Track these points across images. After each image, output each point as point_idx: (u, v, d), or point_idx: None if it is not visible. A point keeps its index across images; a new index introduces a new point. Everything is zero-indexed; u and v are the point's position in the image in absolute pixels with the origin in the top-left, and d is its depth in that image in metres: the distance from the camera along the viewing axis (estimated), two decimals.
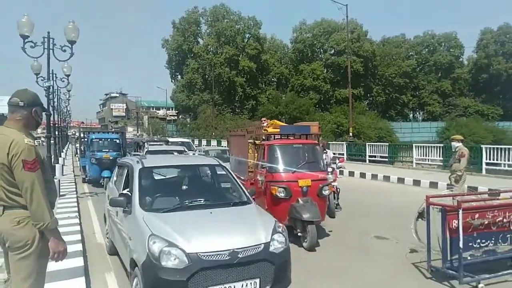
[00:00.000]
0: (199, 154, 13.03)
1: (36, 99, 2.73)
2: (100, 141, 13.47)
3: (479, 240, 4.69)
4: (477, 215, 4.66)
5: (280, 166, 6.60)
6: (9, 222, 2.51)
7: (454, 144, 7.97)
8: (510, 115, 53.21)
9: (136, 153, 12.49)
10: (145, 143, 13.32)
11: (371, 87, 57.18)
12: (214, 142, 38.18)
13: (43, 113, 2.90)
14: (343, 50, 50.58)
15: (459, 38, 60.71)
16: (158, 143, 14.54)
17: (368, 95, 59.00)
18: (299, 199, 6.26)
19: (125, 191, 4.65)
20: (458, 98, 58.60)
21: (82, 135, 16.21)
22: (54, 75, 15.63)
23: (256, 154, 7.49)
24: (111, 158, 12.17)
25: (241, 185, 4.95)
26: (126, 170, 5.15)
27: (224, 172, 5.10)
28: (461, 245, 4.43)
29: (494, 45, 56.34)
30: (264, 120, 9.15)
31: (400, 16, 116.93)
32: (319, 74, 53.41)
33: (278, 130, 7.58)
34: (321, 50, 57.17)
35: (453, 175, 7.80)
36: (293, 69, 56.86)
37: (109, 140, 13.59)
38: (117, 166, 6.36)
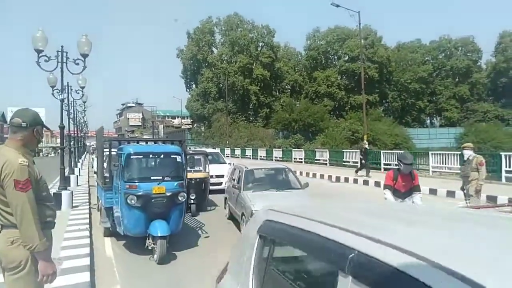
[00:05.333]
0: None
1: (37, 118, 2.74)
2: (145, 160, 7.21)
3: None
4: None
5: None
6: (3, 242, 2.51)
7: (468, 152, 7.72)
8: None
9: None
10: None
11: (387, 93, 56.56)
12: (227, 151, 38.23)
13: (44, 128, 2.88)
14: (357, 57, 50.25)
15: (476, 43, 59.64)
16: (196, 157, 10.91)
17: (384, 101, 58.36)
18: None
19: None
20: (477, 103, 57.34)
21: (103, 147, 8.57)
22: (70, 87, 15.96)
23: None
24: (168, 194, 6.46)
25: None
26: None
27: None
28: None
29: None
30: None
31: (415, 22, 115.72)
32: (333, 81, 53.16)
33: None
34: (335, 57, 56.97)
35: (471, 185, 7.54)
36: (307, 77, 56.76)
37: (162, 157, 7.13)
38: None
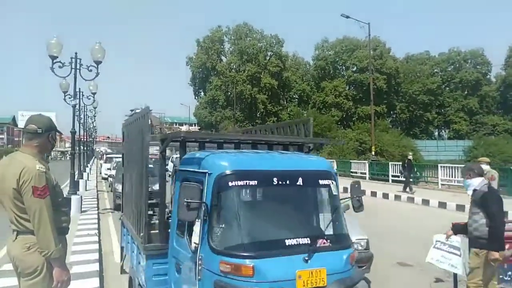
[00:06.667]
0: None
1: (51, 124, 2.78)
2: (266, 195, 3.05)
3: (510, 272, 4.41)
4: (507, 246, 4.38)
5: None
6: (20, 248, 2.54)
7: (482, 166, 7.66)
8: None
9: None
10: None
11: (395, 104, 56.39)
12: None
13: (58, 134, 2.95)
14: (366, 67, 50.30)
15: (485, 55, 59.34)
16: None
17: (392, 112, 58.15)
18: None
19: None
20: (486, 116, 56.85)
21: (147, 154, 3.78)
22: (81, 93, 16.15)
23: None
24: None
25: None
26: None
27: None
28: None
29: None
30: None
31: (423, 34, 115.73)
32: (341, 91, 53.14)
33: None
34: (343, 67, 57.02)
35: None
36: (315, 86, 56.83)
37: (301, 184, 2.83)
38: None
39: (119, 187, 11.47)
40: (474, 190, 4.15)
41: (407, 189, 15.14)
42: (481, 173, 4.28)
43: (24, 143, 2.73)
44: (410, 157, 16.41)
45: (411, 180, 15.41)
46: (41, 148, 2.69)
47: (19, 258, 2.55)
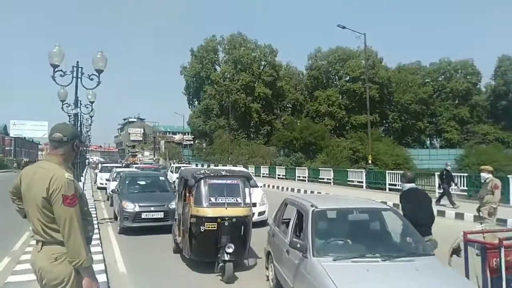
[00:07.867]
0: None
1: (76, 132, 2.80)
2: None
3: None
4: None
5: None
6: (46, 259, 2.50)
7: (484, 175, 7.75)
8: None
9: None
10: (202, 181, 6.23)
11: (387, 113, 57.05)
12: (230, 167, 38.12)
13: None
14: (359, 77, 50.96)
15: (476, 65, 60.52)
16: (231, 181, 6.65)
17: (384, 121, 58.77)
18: None
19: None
20: (477, 125, 57.83)
21: None
22: (80, 101, 16.05)
23: None
24: None
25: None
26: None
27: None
28: (504, 286, 4.18)
29: None
30: None
31: (415, 44, 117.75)
32: (334, 100, 53.67)
33: None
34: (336, 77, 57.66)
35: (485, 208, 7.53)
36: (308, 96, 57.34)
37: None
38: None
39: (128, 206, 9.40)
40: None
41: (451, 204, 13.30)
42: (411, 179, 5.33)
43: (49, 151, 2.72)
44: (448, 167, 14.47)
45: (448, 191, 13.70)
46: (66, 156, 2.68)
47: (46, 269, 2.50)
